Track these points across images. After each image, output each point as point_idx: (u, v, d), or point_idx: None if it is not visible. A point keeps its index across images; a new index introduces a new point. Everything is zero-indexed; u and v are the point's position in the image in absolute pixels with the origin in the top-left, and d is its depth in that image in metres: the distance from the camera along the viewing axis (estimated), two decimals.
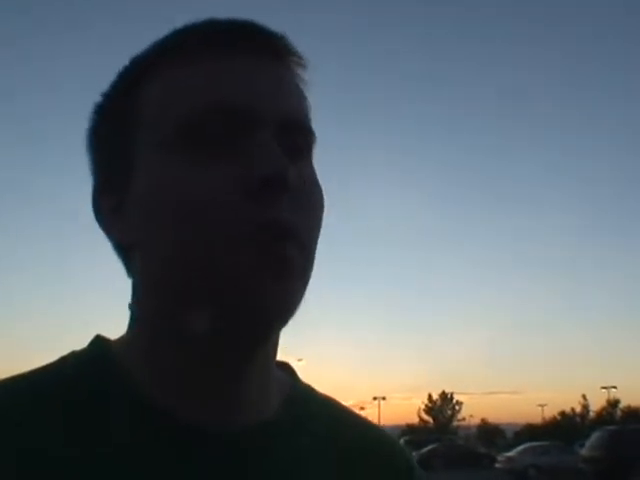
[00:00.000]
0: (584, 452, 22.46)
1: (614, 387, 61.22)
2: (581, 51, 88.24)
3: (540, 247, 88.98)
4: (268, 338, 0.61)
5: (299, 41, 0.64)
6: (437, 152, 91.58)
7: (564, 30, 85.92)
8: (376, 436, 0.74)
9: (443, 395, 68.34)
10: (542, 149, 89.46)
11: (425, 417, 68.19)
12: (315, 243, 0.61)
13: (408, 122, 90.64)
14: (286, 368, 0.74)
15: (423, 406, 68.69)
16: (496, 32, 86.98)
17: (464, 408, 69.06)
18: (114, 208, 0.64)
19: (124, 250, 0.65)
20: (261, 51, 0.62)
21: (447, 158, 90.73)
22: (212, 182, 0.57)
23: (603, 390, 61.44)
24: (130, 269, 0.66)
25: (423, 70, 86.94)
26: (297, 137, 0.62)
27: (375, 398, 66.78)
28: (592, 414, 62.46)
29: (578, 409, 64.28)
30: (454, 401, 68.14)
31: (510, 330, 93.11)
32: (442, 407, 68.00)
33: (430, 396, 68.76)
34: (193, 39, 0.62)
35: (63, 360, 0.65)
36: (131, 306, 0.65)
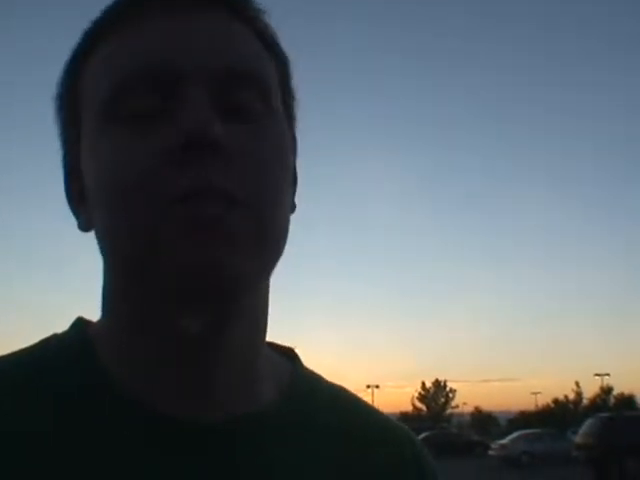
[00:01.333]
0: (577, 439, 22.46)
1: (607, 374, 61.51)
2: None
3: (533, 235, 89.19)
4: (223, 314, 0.55)
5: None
6: (436, 142, 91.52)
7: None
8: (385, 425, 0.70)
9: (436, 383, 68.54)
10: (537, 142, 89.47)
11: (418, 405, 68.46)
12: (274, 208, 0.55)
13: (404, 114, 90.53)
14: (289, 354, 0.70)
15: (416, 394, 68.98)
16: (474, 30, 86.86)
17: (457, 396, 69.41)
18: (79, 192, 0.62)
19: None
20: (202, 7, 0.58)
21: (445, 149, 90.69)
22: (135, 153, 0.53)
23: (596, 377, 61.72)
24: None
25: (420, 66, 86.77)
26: (241, 92, 0.56)
27: (368, 386, 66.72)
28: (585, 401, 62.72)
29: (571, 396, 64.56)
30: (447, 389, 68.40)
31: (503, 318, 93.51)
32: (435, 395, 68.22)
33: (423, 384, 69.06)
34: (123, 7, 0.58)
35: (45, 343, 0.64)
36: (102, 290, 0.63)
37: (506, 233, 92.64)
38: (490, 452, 33.44)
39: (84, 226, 0.62)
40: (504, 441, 33.41)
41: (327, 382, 0.70)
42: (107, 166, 0.54)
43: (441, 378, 69.06)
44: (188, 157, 0.52)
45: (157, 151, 0.52)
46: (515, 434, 34.33)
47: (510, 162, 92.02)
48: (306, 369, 0.69)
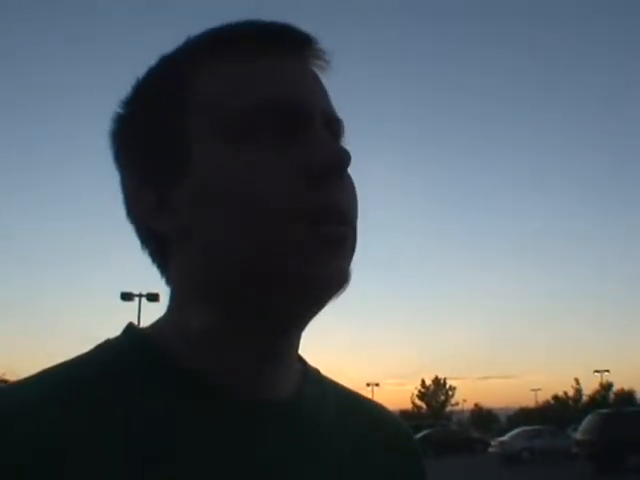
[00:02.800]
0: (577, 436, 22.46)
1: (607, 371, 61.50)
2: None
3: (533, 233, 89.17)
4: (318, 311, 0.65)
5: None
6: (442, 143, 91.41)
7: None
8: (383, 415, 0.80)
9: (436, 380, 68.54)
10: (535, 145, 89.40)
11: (418, 403, 68.47)
12: (357, 228, 0.66)
13: (408, 114, 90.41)
14: None
15: (416, 392, 68.98)
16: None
17: (457, 393, 69.42)
18: (159, 200, 0.65)
19: (162, 244, 0.67)
20: (304, 53, 0.68)
21: (451, 146, 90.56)
22: (277, 169, 0.61)
23: (596, 374, 61.70)
24: (163, 259, 0.68)
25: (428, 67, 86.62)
26: (335, 128, 0.67)
27: (368, 384, 66.76)
28: (585, 398, 62.71)
29: (571, 393, 64.52)
30: (447, 386, 68.40)
31: (503, 315, 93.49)
32: (435, 392, 68.21)
33: (423, 381, 69.11)
34: (246, 36, 0.66)
35: (100, 348, 0.66)
36: (171, 290, 0.68)
37: (505, 232, 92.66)
38: (490, 449, 33.41)
39: (166, 232, 0.65)
40: (504, 438, 33.37)
41: (327, 377, 0.78)
42: (252, 179, 0.61)
43: (441, 375, 69.15)
44: (326, 181, 0.61)
45: (300, 173, 0.61)
46: (515, 431, 34.28)
47: (508, 164, 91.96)
48: (311, 365, 0.77)
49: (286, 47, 0.66)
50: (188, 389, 0.62)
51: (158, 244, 0.67)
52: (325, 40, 0.69)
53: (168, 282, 0.69)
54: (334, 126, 0.67)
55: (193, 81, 0.65)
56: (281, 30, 0.67)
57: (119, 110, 0.69)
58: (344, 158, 0.62)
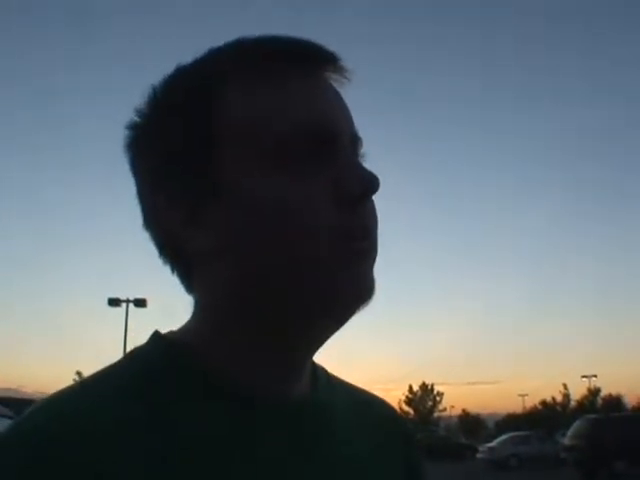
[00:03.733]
0: (565, 441, 22.42)
1: (594, 376, 61.55)
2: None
3: (520, 238, 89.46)
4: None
5: None
6: (433, 146, 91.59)
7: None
8: (391, 413, 0.85)
9: (424, 386, 68.47)
10: (526, 148, 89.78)
11: (406, 408, 68.18)
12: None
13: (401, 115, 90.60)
14: None
15: (404, 397, 68.77)
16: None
17: (445, 399, 69.46)
18: (188, 217, 0.66)
19: (189, 258, 0.67)
20: (330, 71, 0.69)
21: (443, 151, 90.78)
22: (310, 193, 0.63)
23: (584, 379, 61.79)
24: (189, 276, 0.69)
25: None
26: (357, 146, 0.70)
27: None
28: (573, 403, 62.80)
29: (559, 398, 64.60)
30: (435, 392, 68.28)
31: (490, 320, 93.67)
32: (423, 398, 68.12)
33: (411, 387, 68.98)
34: (274, 53, 0.66)
35: (132, 359, 0.67)
36: (197, 301, 0.69)
37: (491, 237, 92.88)
38: (478, 455, 33.39)
39: (202, 248, 0.65)
40: (492, 444, 33.37)
41: (331, 373, 0.81)
42: (286, 202, 0.62)
43: (428, 381, 69.04)
44: (359, 205, 0.65)
45: (335, 194, 0.64)
46: (503, 437, 34.31)
47: (494, 166, 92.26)
48: (316, 362, 0.78)
49: (314, 66, 0.67)
50: (219, 403, 0.64)
51: (183, 258, 0.68)
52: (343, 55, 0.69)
53: (190, 291, 0.70)
54: (357, 144, 0.69)
55: (223, 98, 0.65)
56: (308, 48, 0.67)
57: (136, 118, 0.68)
58: (375, 184, 0.65)
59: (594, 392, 61.50)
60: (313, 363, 0.76)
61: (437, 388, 68.97)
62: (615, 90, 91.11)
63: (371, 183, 0.65)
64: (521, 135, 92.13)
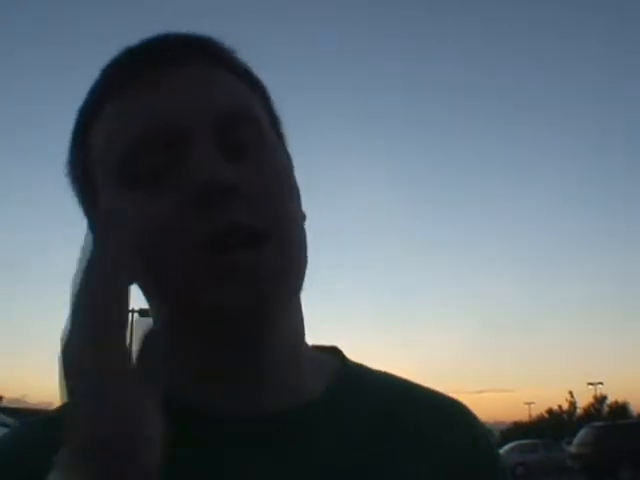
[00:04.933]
0: (572, 449, 22.45)
1: (600, 383, 61.40)
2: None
3: (526, 244, 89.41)
4: (262, 335, 0.61)
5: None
6: (423, 147, 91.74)
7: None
8: (433, 395, 0.75)
9: None
10: (526, 141, 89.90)
11: None
12: (292, 231, 0.62)
13: (389, 114, 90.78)
14: (334, 351, 0.75)
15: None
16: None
17: None
18: None
19: None
20: (185, 63, 0.63)
21: (433, 152, 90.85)
22: (155, 210, 0.58)
23: (590, 386, 61.61)
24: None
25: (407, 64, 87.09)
26: (238, 130, 0.62)
27: None
28: (579, 411, 62.62)
29: (565, 406, 64.44)
30: None
31: (496, 328, 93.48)
32: None
33: None
34: (118, 74, 0.63)
35: None
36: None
37: (499, 243, 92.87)
38: None
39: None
40: None
41: (373, 370, 0.75)
42: (138, 221, 0.57)
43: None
44: (207, 206, 0.57)
45: (177, 206, 0.57)
46: (509, 445, 34.16)
47: (504, 173, 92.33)
48: (352, 361, 0.74)
49: (168, 61, 0.62)
50: (185, 424, 0.58)
51: None
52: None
53: None
54: (235, 127, 0.61)
55: (90, 134, 0.65)
56: (155, 48, 0.64)
57: (67, 153, 0.69)
58: (215, 179, 0.57)
59: (600, 399, 61.34)
60: (344, 364, 0.72)
61: None
62: (614, 90, 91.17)
63: (212, 179, 0.57)
64: (541, 133, 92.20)
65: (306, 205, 0.68)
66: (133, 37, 0.65)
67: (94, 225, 0.65)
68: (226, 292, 0.57)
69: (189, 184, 0.57)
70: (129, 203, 0.59)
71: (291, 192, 0.65)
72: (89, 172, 0.65)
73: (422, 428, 0.69)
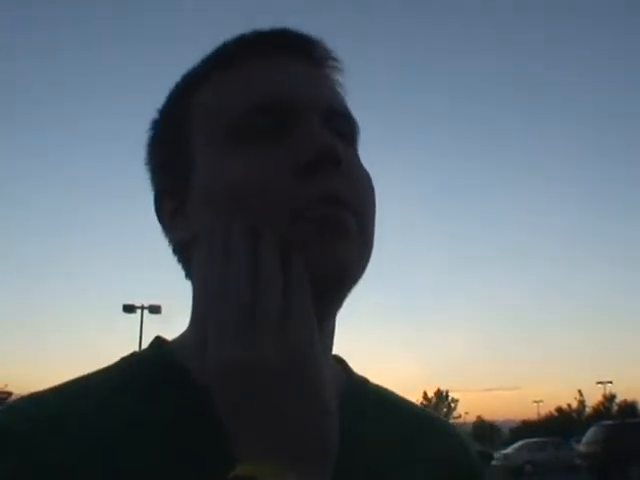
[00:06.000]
0: (581, 447, 22.36)
1: (610, 382, 61.23)
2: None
3: (536, 244, 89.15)
4: (333, 301, 0.64)
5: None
6: (429, 146, 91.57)
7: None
8: (429, 417, 0.80)
9: (438, 393, 68.36)
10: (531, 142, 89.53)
11: None
12: (372, 223, 0.66)
13: (396, 113, 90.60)
14: (339, 361, 0.78)
15: (418, 404, 68.51)
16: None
17: (459, 406, 69.17)
18: (175, 210, 0.69)
19: (184, 250, 0.68)
20: (297, 55, 0.69)
21: (438, 152, 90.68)
22: (265, 168, 0.62)
23: (599, 385, 61.45)
24: (189, 270, 0.69)
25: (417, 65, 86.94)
26: (342, 124, 0.68)
27: None
28: (588, 409, 62.45)
29: (574, 405, 64.27)
30: (449, 399, 68.17)
31: (505, 327, 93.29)
32: (437, 405, 67.92)
33: (425, 394, 68.80)
34: (236, 48, 0.69)
35: (124, 361, 0.69)
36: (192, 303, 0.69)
37: (506, 243, 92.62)
38: (493, 462, 33.23)
39: (182, 239, 0.67)
40: (507, 451, 33.25)
41: (373, 384, 0.79)
42: (242, 178, 0.62)
43: (443, 388, 68.91)
44: (319, 170, 0.61)
45: (290, 164, 0.61)
46: (518, 443, 34.15)
47: (512, 179, 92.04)
48: (356, 375, 0.77)
49: (282, 48, 0.69)
50: (203, 409, 0.60)
51: (180, 254, 0.70)
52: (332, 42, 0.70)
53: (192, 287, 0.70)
54: (337, 122, 0.67)
55: (193, 98, 0.69)
56: (277, 34, 0.69)
57: (147, 132, 0.74)
58: (332, 147, 0.61)
59: (609, 398, 61.17)
60: (350, 380, 0.75)
61: (452, 395, 69.00)
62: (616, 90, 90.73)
63: (326, 146, 0.61)
64: (546, 135, 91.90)
65: None
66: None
67: (164, 182, 0.70)
68: (322, 243, 0.60)
69: (308, 147, 0.61)
70: (237, 156, 0.63)
71: (375, 204, 0.68)
72: (184, 129, 0.69)
73: (425, 447, 0.73)
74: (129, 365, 0.68)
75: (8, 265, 72.55)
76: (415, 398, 72.12)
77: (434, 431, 0.77)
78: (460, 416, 69.65)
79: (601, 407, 60.43)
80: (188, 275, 0.69)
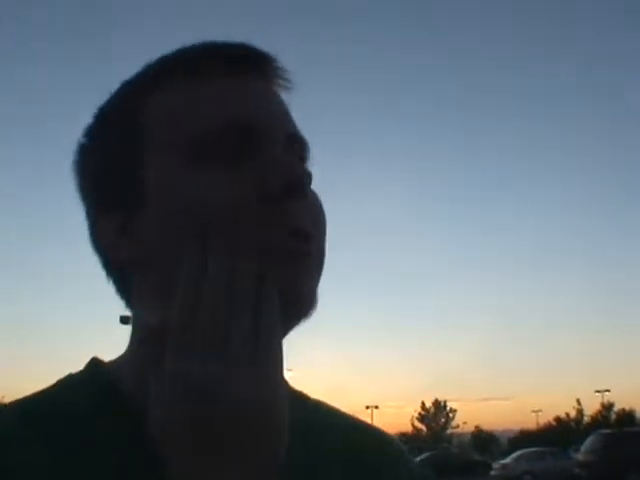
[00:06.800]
0: (579, 457, 22.45)
1: (608, 390, 61.20)
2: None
3: (532, 252, 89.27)
4: (293, 328, 0.63)
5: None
6: (430, 152, 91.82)
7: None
8: (371, 434, 0.78)
9: (436, 403, 68.16)
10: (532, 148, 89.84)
11: (418, 425, 68.03)
12: (325, 248, 0.65)
13: (396, 120, 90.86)
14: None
15: (416, 414, 68.45)
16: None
17: (457, 415, 68.96)
18: (120, 227, 0.64)
19: (124, 270, 0.66)
20: (263, 74, 0.67)
21: (440, 159, 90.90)
22: (228, 189, 0.60)
23: (597, 394, 61.42)
24: (126, 290, 0.67)
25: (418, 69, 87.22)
26: (302, 149, 0.67)
27: (368, 407, 66.15)
28: (587, 418, 62.39)
29: (573, 414, 64.22)
30: (447, 409, 67.99)
31: (502, 336, 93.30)
32: (435, 415, 67.82)
33: (423, 404, 68.65)
34: (200, 58, 0.65)
35: (59, 383, 0.68)
36: (132, 326, 0.67)
37: (503, 250, 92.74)
38: (492, 472, 33.24)
39: (124, 259, 0.64)
40: (506, 460, 33.28)
41: (313, 398, 0.77)
42: (208, 199, 0.59)
43: (441, 398, 68.76)
44: (286, 201, 0.60)
45: (258, 191, 0.59)
46: (517, 453, 34.17)
47: (510, 180, 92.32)
48: (292, 387, 0.75)
49: (244, 65, 0.66)
50: (139, 434, 0.58)
51: (120, 274, 0.67)
52: (293, 57, 0.70)
53: (131, 312, 0.68)
54: (298, 147, 0.67)
55: (145, 105, 0.65)
56: (239, 48, 0.67)
57: (81, 140, 0.69)
58: (304, 177, 0.61)
59: (607, 407, 61.14)
60: (292, 394, 0.72)
61: (450, 405, 68.74)
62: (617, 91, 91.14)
63: (299, 176, 0.61)
64: (546, 135, 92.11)
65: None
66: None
67: (109, 194, 0.65)
68: (286, 275, 0.59)
69: (278, 173, 0.60)
70: (201, 175, 0.60)
71: (325, 220, 0.67)
72: (134, 137, 0.64)
73: (367, 462, 0.72)
74: (65, 387, 0.67)
75: (3, 274, 72.36)
76: (413, 408, 71.80)
77: (373, 444, 0.76)
78: (458, 426, 69.45)
79: (599, 416, 60.36)
80: (124, 297, 0.68)
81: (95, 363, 0.70)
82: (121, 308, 0.69)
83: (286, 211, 0.60)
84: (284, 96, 0.69)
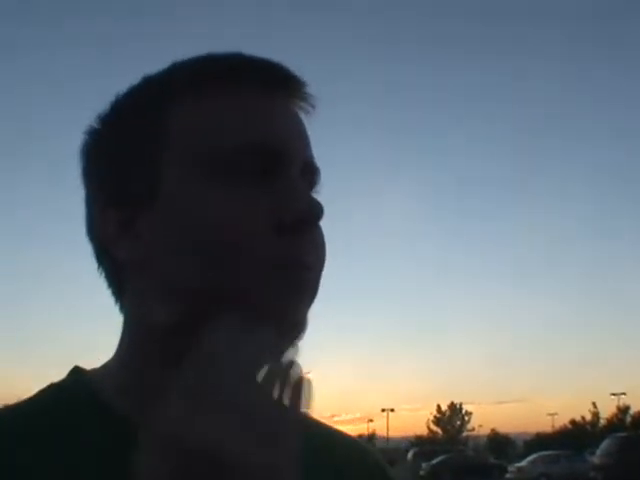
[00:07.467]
0: (595, 460, 22.38)
1: (624, 393, 60.88)
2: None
3: (547, 255, 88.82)
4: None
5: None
6: (436, 161, 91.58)
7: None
8: (347, 442, 0.79)
9: (452, 406, 67.96)
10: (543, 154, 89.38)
11: (434, 428, 67.78)
12: (320, 279, 0.65)
13: (402, 129, 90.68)
14: None
15: (432, 417, 68.30)
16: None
17: (473, 418, 68.71)
18: (123, 222, 0.63)
19: (121, 271, 0.65)
20: (291, 95, 0.67)
21: (447, 168, 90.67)
22: (247, 211, 0.60)
23: (613, 397, 61.10)
24: (119, 286, 0.66)
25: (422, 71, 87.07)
26: (315, 178, 0.67)
27: (383, 410, 66.40)
28: (602, 421, 62.05)
29: (588, 417, 63.91)
30: (463, 411, 67.79)
31: (518, 339, 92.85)
32: (451, 418, 67.61)
33: (439, 407, 68.45)
34: (234, 71, 0.65)
35: (41, 392, 0.68)
36: (122, 323, 0.66)
37: (516, 253, 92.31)
38: (508, 475, 33.19)
39: (125, 259, 0.63)
40: (522, 463, 33.21)
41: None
42: (225, 216, 0.59)
43: (456, 401, 68.57)
44: (297, 231, 0.60)
45: (273, 219, 0.60)
46: (532, 456, 34.06)
47: (517, 184, 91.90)
48: None
49: (273, 86, 0.65)
50: (123, 440, 0.57)
51: (115, 269, 0.66)
52: (313, 76, 0.68)
53: (121, 311, 0.67)
54: (311, 174, 0.67)
55: (172, 109, 0.64)
56: (269, 67, 0.66)
57: (95, 124, 0.68)
58: (318, 212, 0.61)
59: (623, 410, 60.78)
60: None
61: (465, 407, 68.52)
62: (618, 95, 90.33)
63: (314, 210, 0.61)
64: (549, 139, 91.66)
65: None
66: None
67: (117, 188, 0.64)
68: (285, 304, 0.60)
69: (296, 204, 0.60)
70: (221, 192, 0.60)
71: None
72: (156, 141, 0.64)
73: (338, 467, 0.73)
74: (46, 397, 0.67)
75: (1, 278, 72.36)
76: (428, 411, 71.46)
77: (353, 453, 0.77)
78: (474, 429, 69.20)
79: (615, 419, 60.02)
80: (115, 292, 0.67)
81: (76, 371, 0.69)
82: (111, 308, 0.67)
83: (299, 244, 0.60)
84: (305, 119, 0.69)
